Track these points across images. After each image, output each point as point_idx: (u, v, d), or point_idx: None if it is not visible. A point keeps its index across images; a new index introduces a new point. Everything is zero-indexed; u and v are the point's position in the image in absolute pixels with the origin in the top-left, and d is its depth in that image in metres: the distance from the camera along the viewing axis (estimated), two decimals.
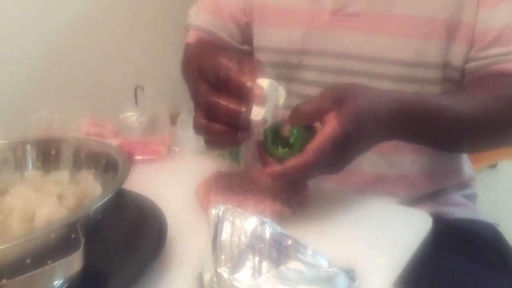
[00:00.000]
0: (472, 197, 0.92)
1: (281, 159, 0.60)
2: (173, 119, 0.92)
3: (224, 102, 0.57)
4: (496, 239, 0.86)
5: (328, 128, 0.59)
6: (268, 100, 0.57)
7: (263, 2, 0.88)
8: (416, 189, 0.84)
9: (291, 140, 0.60)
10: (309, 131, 0.61)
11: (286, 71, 0.87)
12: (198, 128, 0.60)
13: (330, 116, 0.59)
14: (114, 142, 0.80)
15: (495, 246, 0.84)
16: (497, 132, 0.74)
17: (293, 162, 0.59)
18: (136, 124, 0.90)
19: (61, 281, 0.44)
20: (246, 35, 0.93)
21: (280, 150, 0.61)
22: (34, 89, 1.52)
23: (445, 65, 0.79)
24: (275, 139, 0.62)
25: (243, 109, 0.57)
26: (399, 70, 0.79)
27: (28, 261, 0.44)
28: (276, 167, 0.60)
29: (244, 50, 0.95)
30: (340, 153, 0.60)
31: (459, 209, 0.88)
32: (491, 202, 0.99)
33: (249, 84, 0.56)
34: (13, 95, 1.48)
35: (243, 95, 0.57)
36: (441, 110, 0.68)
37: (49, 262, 0.43)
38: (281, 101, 0.60)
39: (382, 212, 0.67)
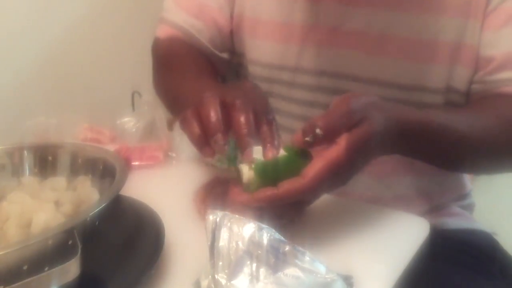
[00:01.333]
0: (469, 207, 0.91)
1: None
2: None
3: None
4: (495, 248, 0.85)
5: (333, 152, 0.55)
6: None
7: (255, 14, 0.84)
8: (413, 208, 0.82)
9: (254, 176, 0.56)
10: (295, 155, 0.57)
11: (278, 88, 0.84)
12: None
13: (340, 138, 0.55)
14: (111, 147, 0.79)
15: (493, 255, 0.83)
16: (500, 154, 0.72)
17: (288, 187, 0.54)
18: (133, 130, 0.90)
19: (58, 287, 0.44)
20: (227, 44, 0.89)
21: (245, 185, 0.57)
22: (30, 95, 1.52)
23: (448, 90, 0.76)
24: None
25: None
26: (397, 94, 0.76)
27: (25, 267, 0.44)
28: (268, 191, 0.55)
29: (223, 59, 0.91)
30: (341, 177, 0.57)
31: (456, 219, 0.87)
32: (488, 210, 0.98)
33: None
34: (10, 101, 1.48)
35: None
36: (446, 130, 0.66)
37: (46, 268, 0.43)
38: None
39: (380, 218, 0.67)
